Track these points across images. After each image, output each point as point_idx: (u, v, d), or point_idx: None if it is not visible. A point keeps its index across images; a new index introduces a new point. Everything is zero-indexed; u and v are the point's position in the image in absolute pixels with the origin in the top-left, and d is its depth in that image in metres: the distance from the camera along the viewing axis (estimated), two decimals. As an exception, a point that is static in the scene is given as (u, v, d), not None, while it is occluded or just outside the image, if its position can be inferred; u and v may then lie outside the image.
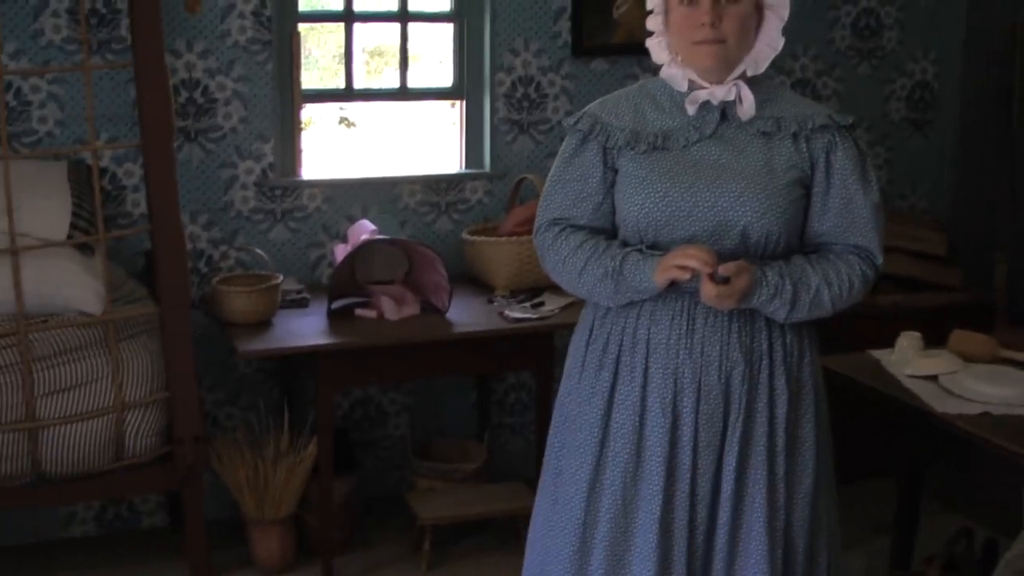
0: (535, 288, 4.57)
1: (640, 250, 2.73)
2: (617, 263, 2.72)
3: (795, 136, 2.74)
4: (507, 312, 4.32)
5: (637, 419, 2.76)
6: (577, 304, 4.33)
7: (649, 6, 2.78)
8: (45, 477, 3.69)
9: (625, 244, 2.78)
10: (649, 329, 2.76)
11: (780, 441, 2.76)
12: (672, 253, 2.66)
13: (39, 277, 3.69)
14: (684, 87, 2.76)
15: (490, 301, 4.48)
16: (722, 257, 2.64)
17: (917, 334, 3.80)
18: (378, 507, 4.81)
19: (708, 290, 2.62)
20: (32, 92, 4.29)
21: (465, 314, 4.32)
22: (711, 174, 2.70)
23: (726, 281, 2.60)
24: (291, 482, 4.29)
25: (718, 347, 2.72)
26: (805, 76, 5.29)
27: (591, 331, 2.88)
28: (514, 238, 4.55)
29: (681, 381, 2.73)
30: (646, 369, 2.76)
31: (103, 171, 4.36)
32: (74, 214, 3.90)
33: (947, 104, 5.54)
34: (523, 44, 4.88)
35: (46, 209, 3.85)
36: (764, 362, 2.75)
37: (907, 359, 3.72)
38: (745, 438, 2.74)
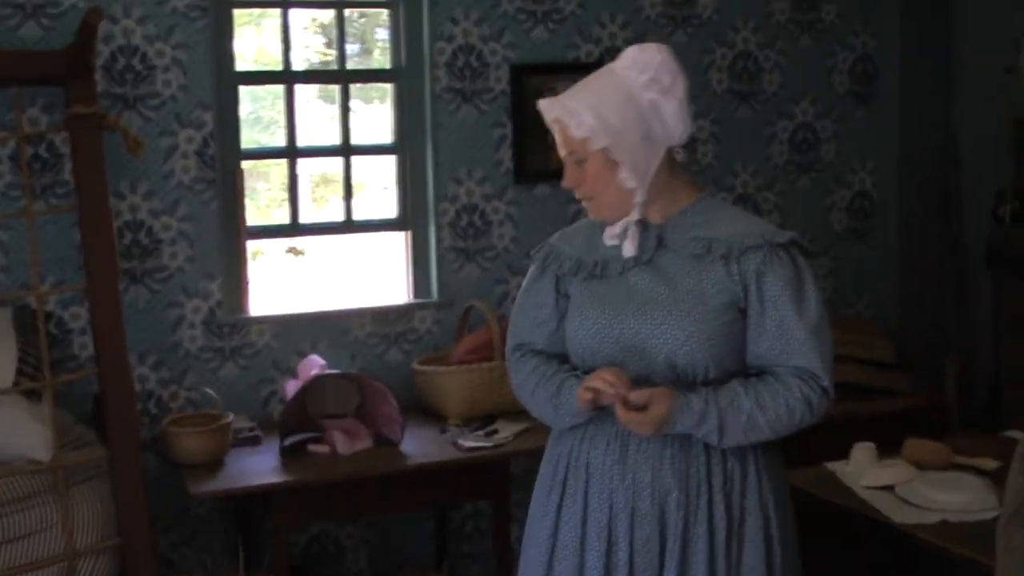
0: (488, 416, 4.56)
1: (576, 375, 2.79)
2: (555, 387, 2.81)
3: (725, 258, 2.70)
4: (461, 441, 4.30)
5: (578, 541, 2.79)
6: (531, 431, 4.38)
7: None
8: (-5, 631, 3.61)
9: (573, 369, 2.83)
10: (589, 452, 2.80)
11: (721, 570, 2.71)
12: (589, 376, 2.71)
13: (-15, 426, 3.65)
14: (603, 226, 2.82)
15: (443, 431, 4.46)
16: (652, 384, 2.68)
17: (871, 444, 3.82)
18: (338, 645, 4.74)
19: (621, 415, 2.65)
20: (-25, 239, 4.28)
21: (419, 445, 4.30)
22: (639, 301, 2.74)
23: (642, 408, 2.62)
24: (248, 624, 4.22)
25: (650, 473, 2.73)
26: (746, 192, 5.36)
27: (547, 453, 2.95)
28: (464, 366, 4.55)
29: (616, 506, 2.75)
30: (586, 492, 2.79)
31: (49, 315, 4.33)
32: (20, 360, 3.87)
33: (888, 211, 5.65)
34: (466, 173, 4.93)
35: (-9, 357, 3.82)
36: (703, 488, 2.72)
37: (862, 470, 3.74)
38: (683, 566, 2.71)
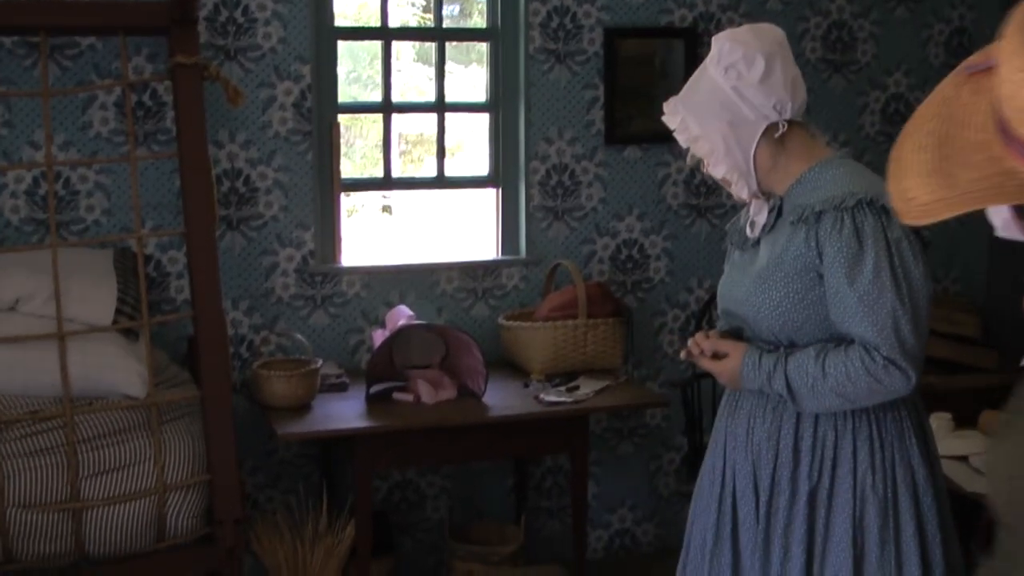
0: (570, 372, 4.62)
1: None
2: None
3: (806, 223, 2.71)
4: (542, 396, 4.37)
5: (708, 487, 2.97)
6: (611, 389, 4.44)
7: None
8: (88, 558, 3.74)
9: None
10: (723, 405, 3.00)
11: (799, 533, 2.76)
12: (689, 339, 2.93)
13: (85, 361, 3.78)
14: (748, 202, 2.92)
15: (526, 385, 4.54)
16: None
17: (947, 415, 3.83)
18: (416, 590, 4.85)
19: (705, 365, 2.87)
20: (80, 182, 4.42)
21: (501, 398, 4.37)
22: (740, 269, 2.91)
23: (718, 358, 2.83)
24: (329, 564, 4.33)
25: (745, 428, 2.86)
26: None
27: None
28: (549, 323, 4.61)
29: (726, 455, 2.92)
30: (714, 444, 2.99)
31: (148, 258, 4.47)
32: (119, 300, 3.99)
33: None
34: (557, 133, 4.98)
35: (92, 295, 3.94)
36: (790, 450, 2.78)
37: (938, 439, 3.75)
38: (768, 519, 2.80)
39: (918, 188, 1.53)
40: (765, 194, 2.85)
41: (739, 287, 2.86)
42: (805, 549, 2.75)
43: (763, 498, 2.81)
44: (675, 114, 2.79)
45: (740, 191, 2.82)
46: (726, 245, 3.09)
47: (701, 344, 2.86)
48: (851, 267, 2.64)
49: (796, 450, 2.78)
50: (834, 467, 2.75)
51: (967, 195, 1.50)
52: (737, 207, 3.20)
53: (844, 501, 2.73)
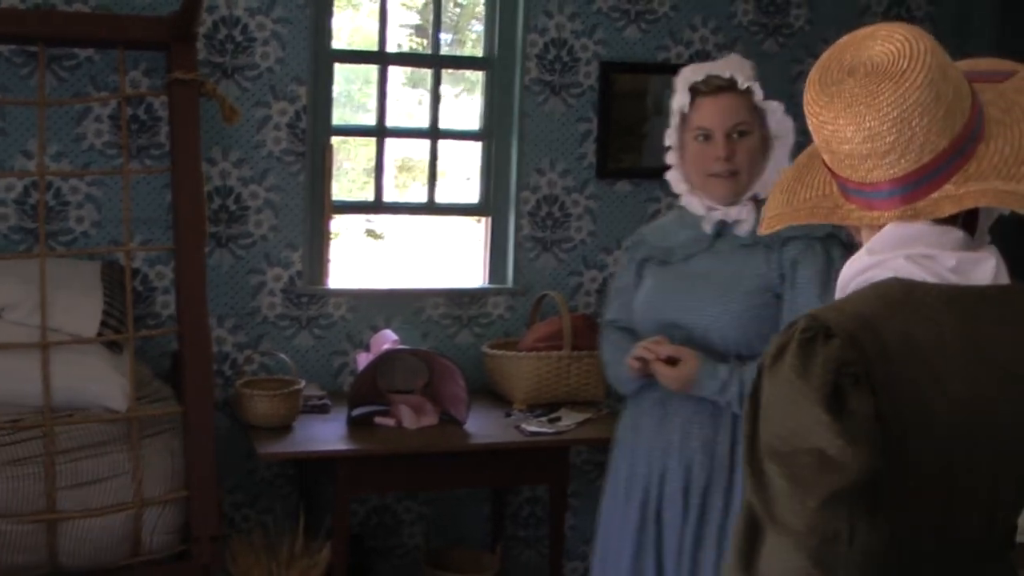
0: (553, 403, 4.63)
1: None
2: (621, 356, 3.14)
3: (768, 247, 2.97)
4: (524, 426, 4.37)
5: (623, 493, 3.14)
6: (593, 421, 4.47)
7: (667, 143, 3.08)
8: (61, 570, 3.73)
9: None
10: (639, 416, 3.16)
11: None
12: (635, 346, 3.06)
13: (68, 372, 3.78)
14: (703, 211, 3.07)
15: (508, 414, 4.54)
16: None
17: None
18: (389, 616, 4.83)
19: (655, 367, 3.00)
20: (71, 193, 4.42)
21: (483, 426, 4.37)
22: (689, 284, 3.06)
23: (673, 362, 2.96)
24: (304, 586, 4.32)
25: (679, 435, 3.03)
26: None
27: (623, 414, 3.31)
28: (534, 353, 4.62)
29: (652, 463, 3.07)
30: (633, 450, 3.14)
31: (135, 272, 4.46)
32: (105, 312, 3.99)
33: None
34: (549, 164, 5.00)
35: (78, 306, 3.94)
36: (726, 457, 2.98)
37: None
38: (700, 526, 2.99)
39: (771, 201, 1.86)
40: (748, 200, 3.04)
41: (689, 298, 3.03)
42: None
43: (694, 502, 2.99)
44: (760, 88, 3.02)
45: (742, 193, 3.04)
46: (632, 262, 3.25)
47: (657, 349, 2.99)
48: (823, 290, 2.88)
49: (732, 454, 2.98)
50: None
51: (796, 212, 1.80)
52: None
53: None
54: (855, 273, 1.75)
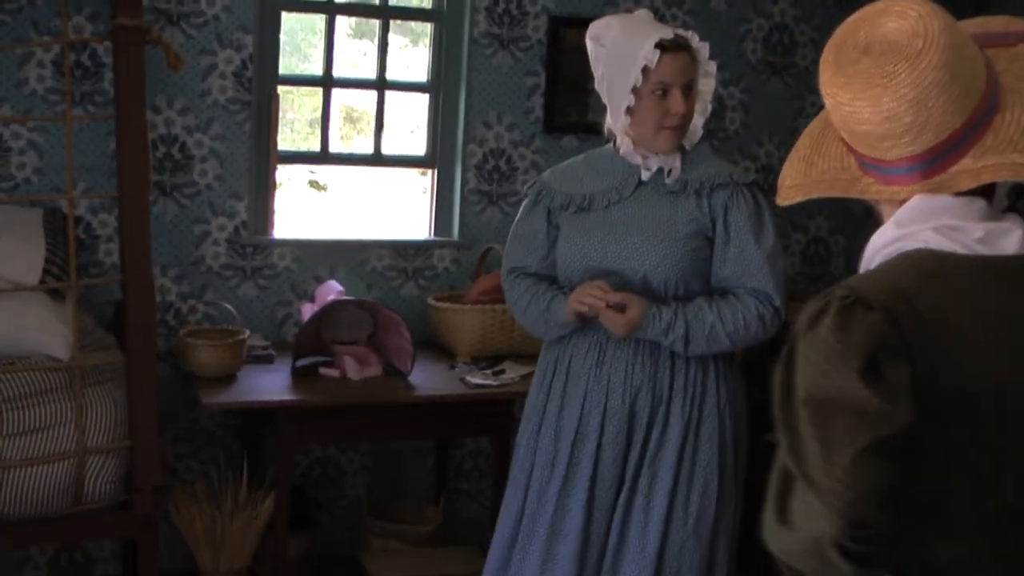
0: (497, 356, 4.65)
1: (564, 292, 3.28)
2: (545, 303, 3.29)
3: (698, 194, 3.20)
4: (468, 378, 4.39)
5: (553, 435, 3.30)
6: (537, 373, 4.45)
7: (615, 98, 3.20)
8: (2, 519, 3.71)
9: (560, 288, 3.33)
10: (571, 359, 3.30)
11: (670, 460, 3.17)
12: (576, 290, 3.20)
13: (9, 320, 3.74)
14: (639, 160, 3.26)
15: (452, 367, 4.55)
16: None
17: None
18: (332, 566, 4.84)
19: (603, 315, 3.13)
20: (13, 139, 4.37)
21: (427, 378, 4.39)
22: (620, 229, 3.23)
23: (621, 309, 3.10)
24: (247, 536, 4.32)
25: (623, 373, 3.21)
26: (770, 162, 5.41)
27: (538, 363, 3.46)
28: (479, 306, 4.63)
29: (588, 404, 3.24)
30: (564, 393, 3.29)
31: (78, 220, 4.42)
32: (47, 260, 3.95)
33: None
34: (496, 118, 5.00)
35: (20, 253, 3.90)
36: (667, 390, 3.21)
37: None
38: (645, 457, 3.21)
39: (788, 170, 1.86)
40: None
41: (624, 244, 3.20)
42: (673, 475, 3.15)
43: (638, 436, 3.20)
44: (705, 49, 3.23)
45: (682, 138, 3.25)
46: (539, 208, 3.38)
47: (607, 296, 3.12)
48: (756, 233, 3.17)
49: (671, 388, 3.21)
50: (702, 403, 3.22)
51: (815, 183, 1.82)
52: None
53: (710, 431, 3.21)
54: (883, 244, 1.76)
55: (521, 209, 3.48)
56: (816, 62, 1.79)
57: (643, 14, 3.30)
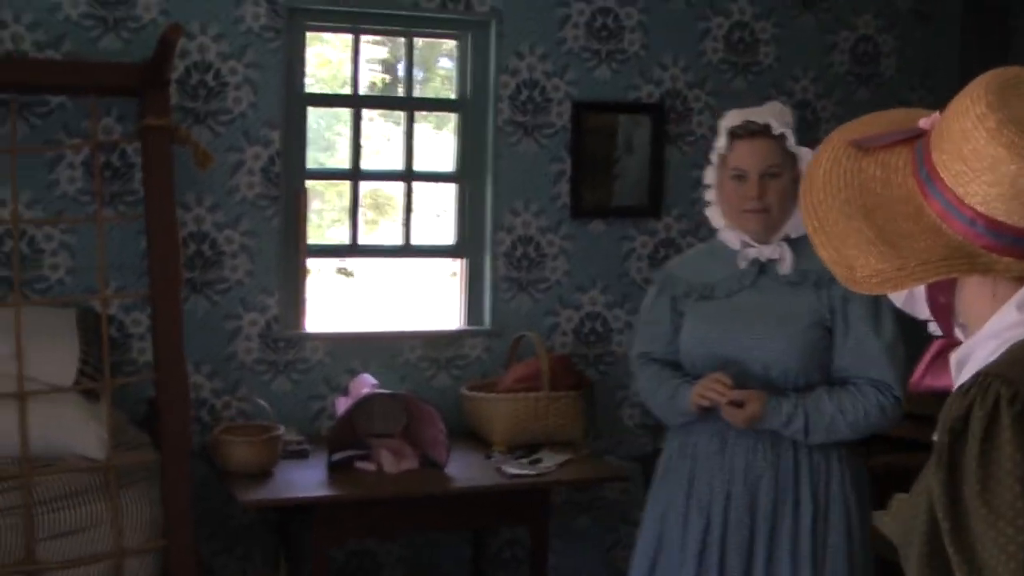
0: (533, 444, 4.62)
1: (688, 381, 3.29)
2: (671, 391, 3.32)
3: (816, 286, 3.21)
4: (504, 468, 4.35)
5: (682, 519, 3.29)
6: (574, 462, 4.45)
7: (706, 181, 3.35)
8: (41, 622, 3.69)
9: (685, 375, 3.35)
10: (695, 444, 3.31)
11: (805, 547, 3.15)
12: (698, 384, 3.21)
13: (45, 422, 3.75)
14: (738, 246, 3.31)
15: (488, 457, 4.52)
16: (750, 387, 3.16)
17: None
18: (370, 661, 4.79)
19: (725, 412, 3.16)
20: (45, 241, 4.39)
21: (463, 469, 4.35)
22: (743, 319, 3.25)
23: (740, 405, 3.12)
24: (285, 634, 4.28)
25: (744, 460, 3.22)
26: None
27: (664, 445, 3.48)
28: (512, 395, 4.61)
29: (715, 489, 3.24)
30: (691, 478, 3.29)
31: (111, 319, 4.42)
32: (81, 360, 3.97)
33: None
34: (523, 204, 5.01)
35: (54, 355, 3.92)
36: (791, 475, 3.20)
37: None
38: (771, 544, 3.19)
39: (863, 256, 1.60)
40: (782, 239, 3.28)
41: (747, 334, 3.22)
42: (811, 563, 3.15)
43: (762, 524, 3.19)
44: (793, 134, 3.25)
45: (776, 229, 3.26)
46: (664, 296, 3.41)
47: (728, 393, 3.14)
48: (875, 323, 3.18)
49: (795, 472, 3.20)
50: (827, 487, 3.21)
51: (924, 266, 1.57)
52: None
53: (837, 516, 3.20)
54: (1005, 328, 1.62)
55: (648, 296, 3.54)
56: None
57: (770, 105, 3.38)
